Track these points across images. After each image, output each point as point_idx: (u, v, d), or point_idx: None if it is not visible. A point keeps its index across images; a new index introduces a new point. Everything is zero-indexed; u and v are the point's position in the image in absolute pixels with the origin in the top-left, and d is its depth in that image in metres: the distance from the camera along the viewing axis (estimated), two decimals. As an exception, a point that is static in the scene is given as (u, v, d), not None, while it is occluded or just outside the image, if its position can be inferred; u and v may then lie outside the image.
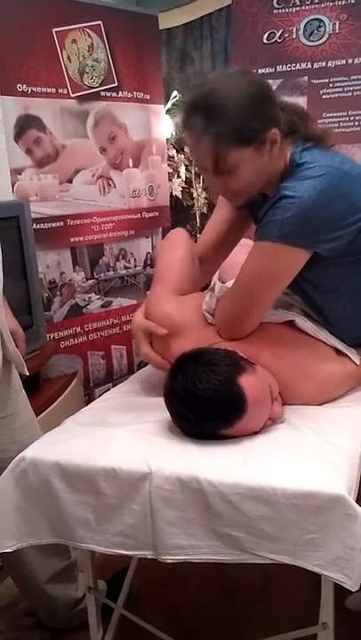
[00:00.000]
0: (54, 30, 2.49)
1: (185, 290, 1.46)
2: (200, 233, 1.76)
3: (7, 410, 1.47)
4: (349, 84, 2.78)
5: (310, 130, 1.33)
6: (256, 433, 1.16)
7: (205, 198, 3.14)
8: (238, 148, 1.21)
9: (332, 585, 1.07)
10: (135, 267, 2.98)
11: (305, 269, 1.28)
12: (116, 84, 2.73)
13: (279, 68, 2.86)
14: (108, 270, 2.86)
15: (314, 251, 1.25)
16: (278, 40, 2.85)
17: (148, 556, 1.09)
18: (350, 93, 2.79)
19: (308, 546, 0.98)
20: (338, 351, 1.38)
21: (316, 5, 2.77)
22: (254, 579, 1.83)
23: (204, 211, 3.15)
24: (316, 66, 2.81)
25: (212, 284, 1.56)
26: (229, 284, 1.46)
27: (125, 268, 2.93)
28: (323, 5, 2.76)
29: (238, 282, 1.33)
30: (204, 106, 1.20)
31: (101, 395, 1.55)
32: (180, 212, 3.24)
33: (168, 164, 3.10)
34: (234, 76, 1.26)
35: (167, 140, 3.07)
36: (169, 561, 1.06)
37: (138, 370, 1.82)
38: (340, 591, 1.04)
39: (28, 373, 1.52)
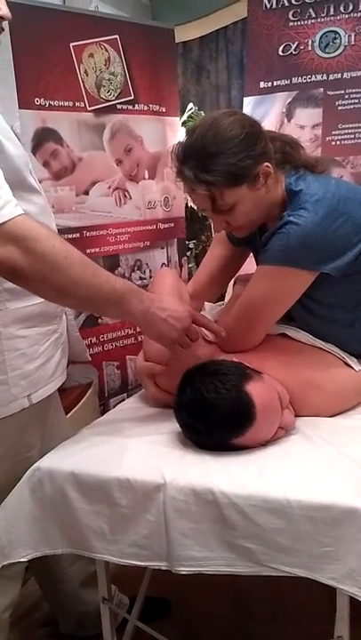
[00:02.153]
0: (71, 45, 2.52)
1: None
2: (210, 247, 1.78)
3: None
4: (365, 95, 2.78)
5: (303, 158, 1.39)
6: (269, 443, 1.16)
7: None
8: (232, 188, 1.26)
9: (348, 598, 1.05)
10: (150, 277, 2.98)
11: (313, 290, 1.31)
12: (132, 97, 2.75)
13: (295, 80, 2.87)
14: (123, 280, 2.88)
15: (319, 271, 1.28)
16: (294, 52, 2.86)
17: (162, 567, 1.09)
18: (366, 105, 2.79)
19: (322, 558, 0.98)
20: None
21: (332, 18, 2.78)
22: (269, 591, 1.82)
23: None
24: (331, 77, 2.81)
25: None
26: (216, 305, 1.53)
27: (141, 278, 2.93)
28: (338, 18, 2.77)
29: (245, 301, 1.37)
30: (193, 155, 1.26)
31: (116, 405, 1.56)
32: (195, 224, 3.25)
33: (175, 181, 3.12)
34: (221, 119, 1.28)
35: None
36: (183, 572, 1.06)
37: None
38: (356, 605, 1.03)
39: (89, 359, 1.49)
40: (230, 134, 1.25)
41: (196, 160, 1.25)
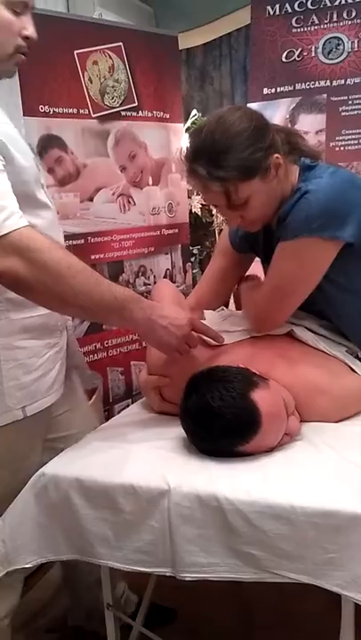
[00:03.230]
0: (76, 52, 2.53)
1: None
2: (213, 256, 1.78)
3: (65, 405, 1.49)
4: (369, 101, 2.79)
5: (307, 147, 1.42)
6: (274, 449, 1.15)
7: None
8: (246, 182, 1.27)
9: (353, 605, 1.05)
10: (154, 283, 2.99)
11: (330, 265, 1.31)
12: (136, 104, 2.76)
13: (298, 86, 2.88)
14: (128, 286, 2.87)
15: (343, 239, 1.27)
16: (297, 58, 2.87)
17: (167, 574, 1.09)
18: (370, 110, 2.80)
19: (327, 565, 0.97)
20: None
21: (335, 24, 2.79)
22: (273, 598, 1.81)
23: (223, 227, 3.17)
24: (335, 83, 2.81)
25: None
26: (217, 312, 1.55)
27: (145, 284, 2.94)
28: (341, 24, 2.78)
29: (275, 280, 1.37)
30: (204, 153, 1.26)
31: (121, 411, 1.56)
32: (199, 229, 3.26)
33: (187, 182, 3.13)
34: (227, 114, 1.29)
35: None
36: (187, 579, 1.06)
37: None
38: None
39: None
40: (239, 129, 1.26)
41: (208, 157, 1.26)
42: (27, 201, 1.22)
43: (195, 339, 1.32)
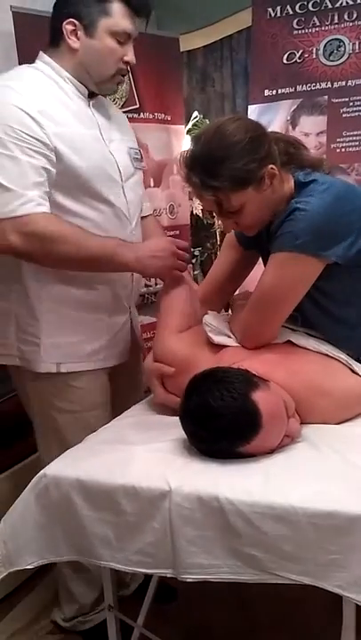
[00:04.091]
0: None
1: (186, 326, 1.50)
2: (220, 251, 1.78)
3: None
4: (370, 102, 2.79)
5: (306, 157, 1.43)
6: (275, 451, 1.15)
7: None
8: (238, 192, 1.30)
9: (354, 606, 1.05)
10: (156, 285, 2.99)
11: (321, 279, 1.32)
12: (137, 106, 2.77)
13: (299, 88, 2.88)
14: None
15: (328, 259, 1.29)
16: (298, 60, 2.87)
17: (168, 575, 1.09)
18: (371, 112, 2.80)
19: (328, 566, 0.97)
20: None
21: (336, 25, 2.79)
22: (274, 599, 1.81)
23: (224, 229, 3.16)
24: (336, 85, 2.82)
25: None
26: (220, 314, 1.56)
27: (146, 285, 2.93)
28: (342, 25, 2.78)
29: (258, 292, 1.38)
30: (199, 162, 1.30)
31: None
32: (200, 231, 3.26)
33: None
34: (225, 124, 1.32)
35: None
36: (189, 580, 1.06)
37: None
38: (361, 613, 1.03)
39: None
40: (235, 139, 1.28)
41: (203, 166, 1.29)
42: (82, 194, 1.50)
43: (182, 253, 1.54)
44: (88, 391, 1.63)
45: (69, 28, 1.48)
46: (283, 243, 1.31)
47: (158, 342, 1.47)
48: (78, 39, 1.49)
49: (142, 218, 1.77)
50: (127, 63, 1.53)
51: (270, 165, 1.30)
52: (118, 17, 1.47)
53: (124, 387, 1.75)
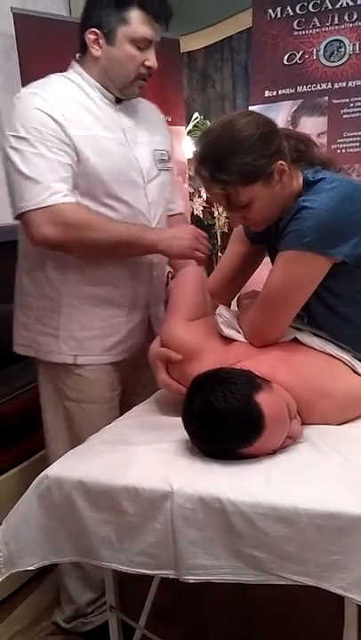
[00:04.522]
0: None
1: (196, 316, 1.50)
2: (221, 252, 1.79)
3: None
4: (370, 103, 2.80)
5: (317, 155, 1.43)
6: (277, 452, 1.15)
7: (226, 217, 3.16)
8: (247, 186, 1.30)
9: (356, 607, 1.05)
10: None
11: (327, 278, 1.32)
12: (138, 107, 2.77)
13: (300, 89, 2.89)
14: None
15: (335, 258, 1.29)
16: (299, 61, 2.88)
17: (170, 576, 1.09)
18: (371, 113, 2.80)
19: (330, 567, 0.97)
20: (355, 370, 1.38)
21: (336, 27, 2.80)
22: (277, 600, 1.81)
23: (225, 230, 3.17)
24: (336, 86, 2.83)
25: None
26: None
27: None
28: (343, 26, 2.79)
29: (265, 291, 1.38)
30: (210, 156, 1.31)
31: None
32: (201, 232, 3.26)
33: (189, 185, 3.13)
34: (236, 119, 1.32)
35: (188, 160, 3.11)
36: (191, 581, 1.06)
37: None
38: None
39: None
40: (245, 134, 1.28)
41: (213, 160, 1.30)
42: (102, 195, 1.58)
43: (204, 235, 1.62)
44: (97, 383, 1.71)
45: (92, 37, 1.56)
46: (290, 241, 1.30)
47: (167, 328, 1.47)
48: (100, 47, 1.57)
49: (170, 216, 1.85)
50: (149, 68, 1.59)
51: (280, 161, 1.30)
52: (137, 24, 1.53)
53: (143, 379, 1.79)
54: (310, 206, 1.28)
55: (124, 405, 1.74)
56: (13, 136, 1.50)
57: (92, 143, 1.55)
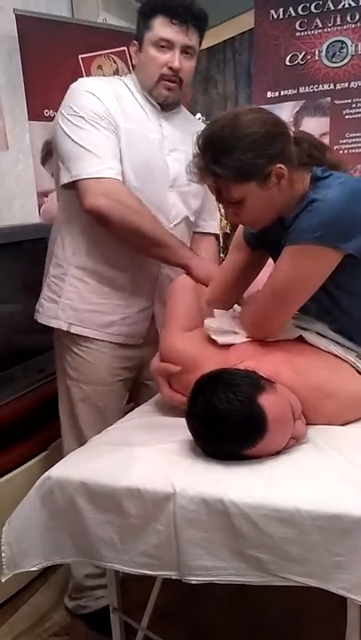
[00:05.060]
0: (80, 57, 2.55)
1: (193, 325, 1.50)
2: (223, 253, 1.78)
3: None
4: (372, 104, 2.79)
5: (327, 159, 1.40)
6: (280, 453, 1.15)
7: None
8: (239, 184, 1.28)
9: (359, 608, 1.05)
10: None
11: (336, 273, 1.30)
12: (140, 108, 2.77)
13: (302, 90, 2.89)
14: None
15: (345, 251, 1.26)
16: (301, 62, 2.88)
17: (173, 577, 1.08)
18: (373, 113, 2.80)
19: (333, 568, 0.97)
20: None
21: (339, 27, 2.80)
22: (280, 601, 1.81)
23: (228, 230, 3.17)
24: (338, 87, 2.82)
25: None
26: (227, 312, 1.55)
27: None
28: (345, 27, 2.78)
29: (271, 284, 1.36)
30: (209, 147, 1.29)
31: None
32: (203, 233, 3.25)
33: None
34: (243, 114, 1.29)
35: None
36: (193, 582, 1.06)
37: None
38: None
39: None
40: (248, 131, 1.26)
41: (212, 152, 1.28)
42: (127, 184, 1.65)
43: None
44: (95, 365, 1.79)
45: (133, 49, 1.72)
46: (300, 235, 1.27)
47: (164, 341, 1.47)
48: (137, 56, 1.71)
49: (199, 233, 1.96)
50: (172, 69, 1.66)
51: (280, 165, 1.27)
52: (158, 28, 1.64)
53: (143, 362, 1.84)
54: (322, 199, 1.25)
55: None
56: (69, 114, 1.61)
57: (128, 135, 1.65)
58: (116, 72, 2.66)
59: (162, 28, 1.63)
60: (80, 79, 1.70)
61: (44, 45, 2.47)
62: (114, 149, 1.62)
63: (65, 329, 1.76)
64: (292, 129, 1.46)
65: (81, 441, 1.30)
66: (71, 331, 1.76)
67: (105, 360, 1.79)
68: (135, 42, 1.70)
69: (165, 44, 1.64)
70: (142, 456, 1.19)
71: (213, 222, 2.01)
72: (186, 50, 1.67)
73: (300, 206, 1.30)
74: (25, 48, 2.46)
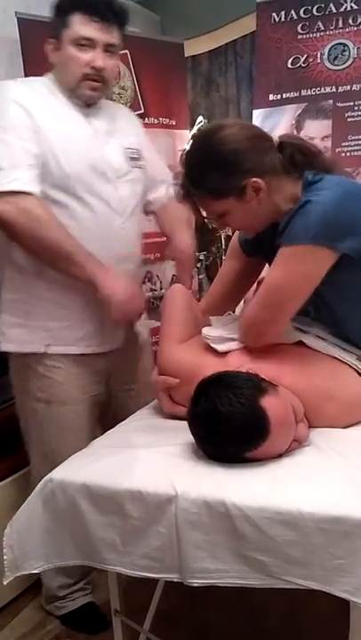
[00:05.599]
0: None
1: (188, 335, 1.50)
2: (225, 255, 1.78)
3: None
4: (374, 107, 2.79)
5: (320, 162, 1.38)
6: (282, 456, 1.15)
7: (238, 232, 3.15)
8: (218, 201, 1.33)
9: (361, 612, 1.05)
10: (161, 289, 2.99)
11: (331, 273, 1.29)
12: (142, 111, 2.78)
13: (304, 92, 2.88)
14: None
15: (340, 251, 1.26)
16: (303, 65, 2.87)
17: (175, 579, 1.08)
18: (375, 116, 2.80)
19: (335, 571, 0.97)
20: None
21: (341, 30, 2.80)
22: (282, 604, 1.80)
23: (229, 233, 3.16)
24: (340, 89, 2.82)
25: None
26: (223, 317, 1.55)
27: (151, 290, 2.94)
28: (347, 30, 2.78)
29: (266, 287, 1.35)
30: (186, 168, 1.36)
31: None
32: (205, 235, 3.26)
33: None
34: (217, 131, 1.33)
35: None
36: (195, 584, 1.06)
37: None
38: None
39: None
40: (220, 149, 1.29)
41: (188, 171, 1.35)
42: (67, 186, 1.61)
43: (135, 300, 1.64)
44: (65, 384, 1.71)
45: (49, 47, 1.63)
46: (295, 236, 1.27)
47: (161, 354, 1.47)
48: (55, 54, 1.63)
49: (163, 205, 1.91)
50: (94, 68, 1.60)
51: (254, 179, 1.28)
52: (77, 26, 1.57)
53: (119, 372, 1.84)
54: (316, 200, 1.26)
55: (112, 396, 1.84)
56: None
57: (63, 137, 1.60)
58: (118, 75, 2.66)
59: (82, 26, 1.56)
60: (4, 82, 1.65)
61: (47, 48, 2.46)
62: (28, 156, 1.54)
63: (42, 351, 1.68)
64: (294, 133, 1.46)
65: (56, 463, 1.24)
66: (48, 352, 1.68)
67: (73, 378, 1.72)
68: (52, 40, 1.62)
69: (86, 43, 1.57)
70: (144, 458, 1.19)
71: (172, 187, 1.94)
72: (108, 48, 1.60)
73: (294, 209, 1.29)
74: (27, 51, 2.46)
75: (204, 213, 1.42)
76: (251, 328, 1.38)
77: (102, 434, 1.46)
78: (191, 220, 1.91)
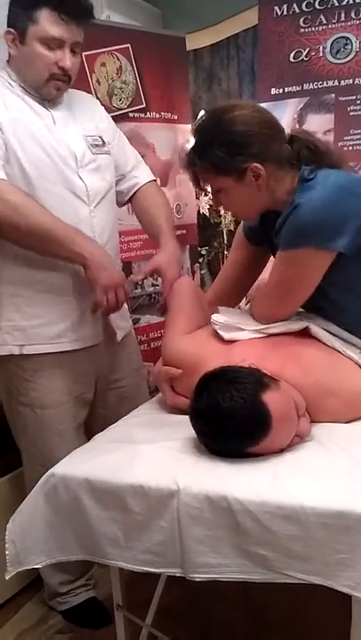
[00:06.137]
0: (84, 54, 2.54)
1: (195, 327, 1.50)
2: (227, 250, 1.78)
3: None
4: (377, 100, 2.78)
5: (324, 159, 1.39)
6: (284, 450, 1.15)
7: (233, 215, 3.15)
8: (218, 176, 1.35)
9: (364, 606, 1.05)
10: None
11: (328, 271, 1.32)
12: (144, 105, 2.77)
13: (306, 86, 2.87)
14: (136, 288, 2.88)
15: (336, 250, 1.28)
16: (305, 59, 2.86)
17: (177, 574, 1.09)
18: (378, 110, 2.79)
19: (337, 566, 0.97)
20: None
21: (343, 23, 2.78)
22: (284, 599, 1.81)
23: (232, 228, 3.16)
24: (343, 83, 2.80)
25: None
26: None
27: (153, 285, 2.94)
28: (349, 23, 2.77)
29: (269, 284, 1.40)
30: (195, 138, 1.39)
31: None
32: (207, 230, 3.26)
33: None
34: (230, 110, 1.34)
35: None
36: (197, 579, 1.06)
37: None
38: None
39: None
40: (230, 128, 1.31)
41: (196, 143, 1.37)
42: (35, 177, 1.56)
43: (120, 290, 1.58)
44: (48, 387, 1.67)
45: (9, 37, 1.55)
46: (289, 241, 1.31)
47: (165, 345, 1.47)
48: (17, 47, 1.55)
49: (137, 190, 1.85)
50: (62, 68, 1.55)
51: (256, 164, 1.30)
52: (46, 24, 1.50)
53: (105, 369, 1.81)
54: (305, 203, 1.27)
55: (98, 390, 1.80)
56: None
57: (22, 127, 1.55)
58: (120, 69, 2.66)
59: (51, 25, 1.50)
60: None
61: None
62: None
63: (17, 353, 1.63)
64: (296, 127, 1.48)
65: (47, 466, 1.23)
66: (24, 352, 1.62)
67: (55, 379, 1.68)
68: (12, 30, 1.54)
69: (55, 43, 1.52)
70: (146, 453, 1.19)
71: (145, 170, 1.90)
72: (74, 47, 1.56)
73: (287, 211, 1.31)
74: None
75: (202, 185, 1.44)
76: (262, 314, 1.44)
77: (90, 434, 1.44)
78: (168, 203, 1.92)
